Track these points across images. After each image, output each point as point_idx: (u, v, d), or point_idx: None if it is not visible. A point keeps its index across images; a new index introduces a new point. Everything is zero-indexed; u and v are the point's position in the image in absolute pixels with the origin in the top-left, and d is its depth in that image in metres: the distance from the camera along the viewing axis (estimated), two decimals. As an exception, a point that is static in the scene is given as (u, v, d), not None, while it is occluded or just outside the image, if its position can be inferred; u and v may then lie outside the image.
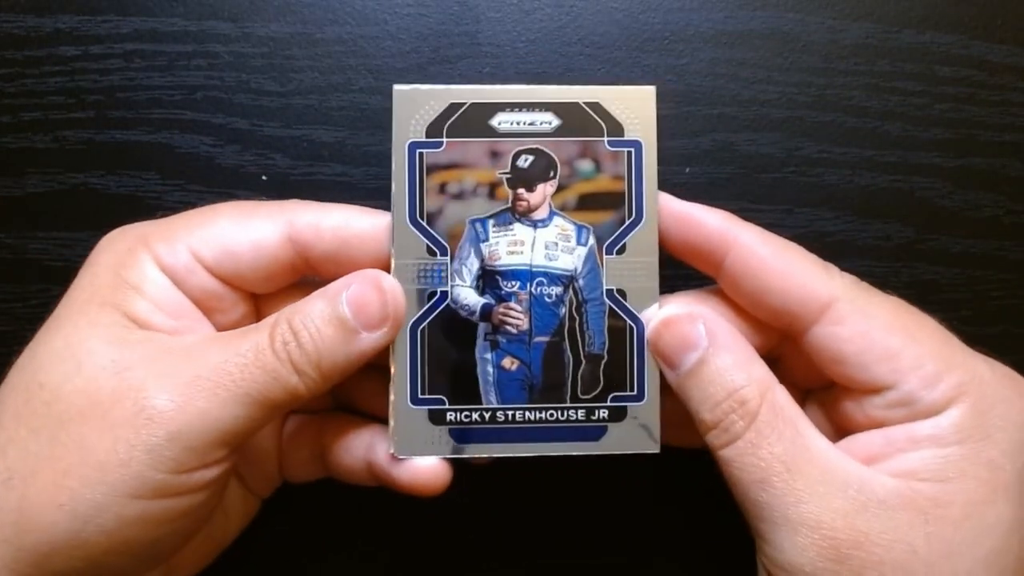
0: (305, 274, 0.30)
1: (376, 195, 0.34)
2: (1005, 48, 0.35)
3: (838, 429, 0.29)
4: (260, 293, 0.30)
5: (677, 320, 0.28)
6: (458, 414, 0.29)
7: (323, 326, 0.26)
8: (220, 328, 0.29)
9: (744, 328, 0.29)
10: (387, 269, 0.29)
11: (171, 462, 0.24)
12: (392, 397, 0.29)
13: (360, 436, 0.31)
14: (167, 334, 0.27)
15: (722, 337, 0.27)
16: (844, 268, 0.35)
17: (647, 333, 0.29)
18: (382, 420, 0.30)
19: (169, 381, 0.25)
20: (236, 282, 0.28)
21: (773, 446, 0.26)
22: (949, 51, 0.35)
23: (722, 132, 0.35)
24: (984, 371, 0.26)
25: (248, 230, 0.28)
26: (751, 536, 0.27)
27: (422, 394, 0.29)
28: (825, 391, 0.30)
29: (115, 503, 0.24)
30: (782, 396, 0.27)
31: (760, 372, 0.27)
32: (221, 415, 0.25)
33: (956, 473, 0.25)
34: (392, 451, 0.29)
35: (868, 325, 0.27)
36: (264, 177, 0.35)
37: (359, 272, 0.28)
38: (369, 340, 0.27)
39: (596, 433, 0.29)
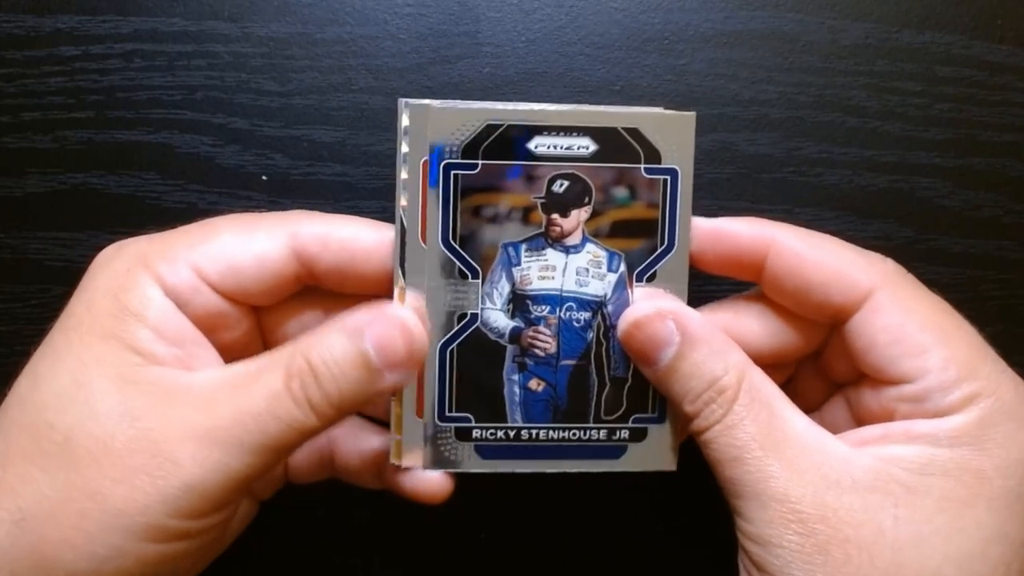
0: (307, 284, 0.29)
1: (377, 195, 0.34)
2: (1005, 48, 0.35)
3: (858, 423, 0.29)
4: (262, 306, 0.30)
5: (647, 320, 0.28)
6: (484, 431, 0.29)
7: (346, 366, 0.26)
8: (225, 346, 0.28)
9: (787, 329, 0.29)
10: (391, 286, 0.28)
11: (187, 510, 0.24)
12: (399, 411, 0.29)
13: (371, 441, 0.31)
14: (173, 366, 0.26)
15: (694, 329, 0.27)
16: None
17: (619, 335, 0.29)
18: (386, 423, 0.30)
19: (185, 433, 0.25)
20: (240, 297, 0.28)
21: (748, 427, 0.26)
22: (949, 51, 0.35)
23: (722, 132, 0.35)
24: (1007, 389, 0.26)
25: (252, 244, 0.28)
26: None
27: (449, 412, 0.29)
28: (854, 386, 0.30)
29: (134, 547, 0.24)
30: (758, 378, 0.27)
31: (736, 358, 0.27)
32: (236, 465, 0.25)
33: (938, 471, 0.25)
34: (400, 462, 0.29)
35: (904, 318, 0.27)
36: (264, 177, 0.35)
37: (378, 308, 0.27)
38: (391, 379, 0.26)
39: (616, 452, 0.30)
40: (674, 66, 0.35)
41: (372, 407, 0.32)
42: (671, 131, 0.28)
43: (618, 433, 0.30)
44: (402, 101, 0.28)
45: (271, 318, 0.30)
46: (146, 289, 0.27)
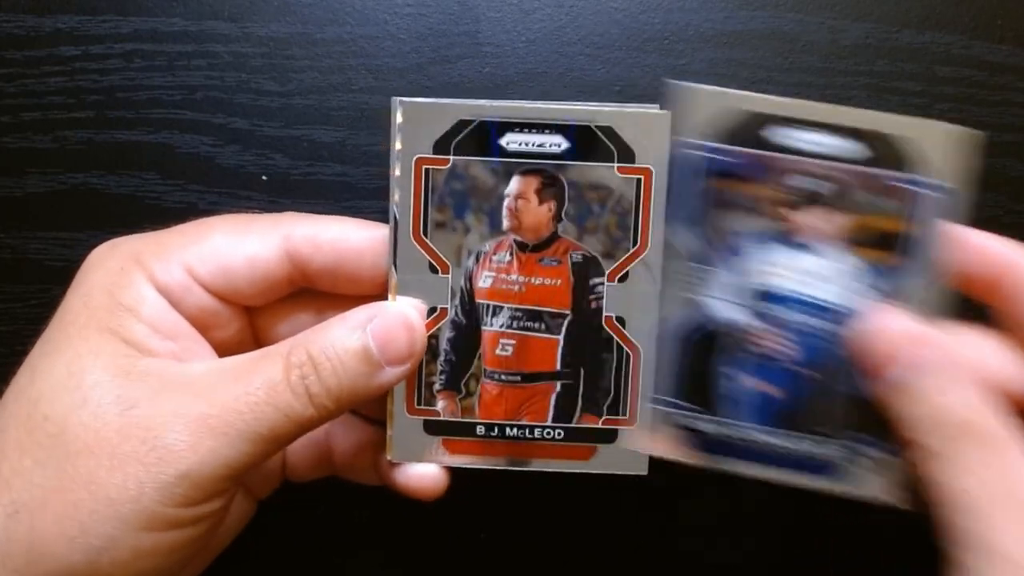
0: (300, 286, 0.29)
1: (377, 195, 0.34)
2: (1005, 48, 0.35)
3: None
4: (255, 306, 0.30)
5: (890, 332, 0.26)
6: (700, 424, 0.28)
7: (347, 358, 0.26)
8: (217, 345, 0.29)
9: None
10: (385, 283, 0.28)
11: (181, 498, 0.24)
12: (391, 407, 0.29)
13: (369, 437, 0.31)
14: (168, 359, 0.26)
15: (932, 353, 0.26)
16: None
17: (853, 345, 0.27)
18: (382, 421, 0.30)
19: (178, 419, 0.25)
20: (232, 298, 0.28)
21: (980, 474, 0.24)
22: (949, 51, 0.35)
23: (722, 132, 0.35)
24: None
25: (244, 245, 0.28)
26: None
27: (667, 397, 0.29)
28: None
29: (128, 536, 0.24)
30: (999, 422, 0.25)
31: (976, 394, 0.25)
32: (230, 453, 0.25)
33: None
34: (391, 458, 0.29)
35: None
36: (264, 177, 0.35)
37: (380, 305, 0.27)
38: (391, 374, 0.27)
39: (832, 470, 0.28)
40: (674, 66, 0.35)
41: (370, 406, 0.32)
42: (945, 146, 0.27)
43: (840, 451, 0.28)
44: (395, 99, 0.28)
45: (264, 319, 0.30)
46: (140, 286, 0.27)
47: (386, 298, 0.29)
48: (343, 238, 0.28)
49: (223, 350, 0.29)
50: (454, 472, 0.30)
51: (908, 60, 0.35)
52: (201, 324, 0.28)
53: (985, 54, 0.35)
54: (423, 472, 0.29)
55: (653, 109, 0.28)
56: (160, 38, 0.34)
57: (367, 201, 0.35)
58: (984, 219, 0.35)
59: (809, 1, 0.35)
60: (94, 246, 0.28)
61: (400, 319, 0.27)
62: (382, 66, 0.35)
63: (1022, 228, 0.36)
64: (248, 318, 0.30)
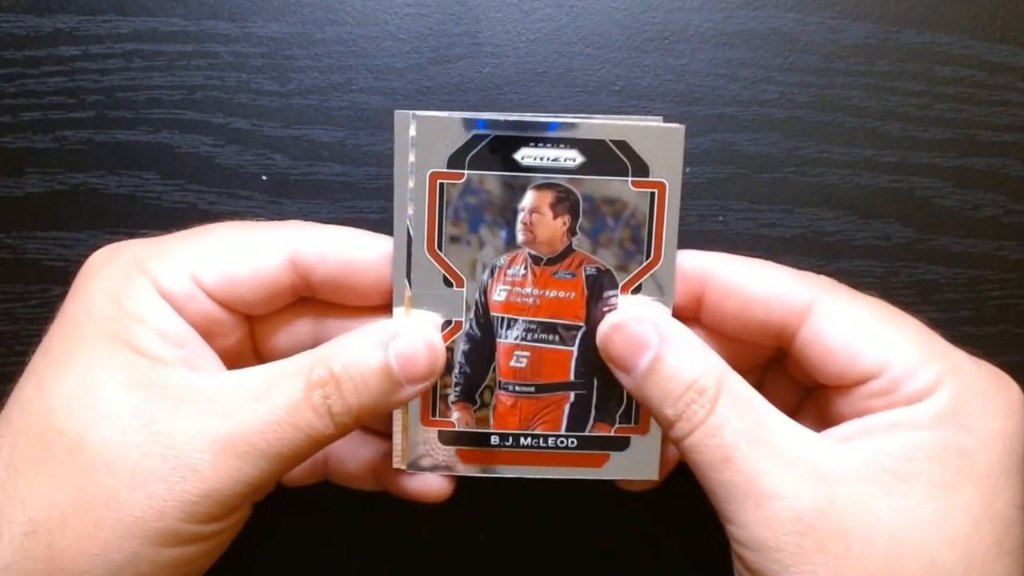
0: (303, 295, 0.29)
1: (377, 195, 0.34)
2: (1005, 48, 0.35)
3: (829, 425, 0.29)
4: (255, 315, 0.29)
5: (625, 323, 0.28)
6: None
7: (369, 376, 0.26)
8: (220, 352, 0.28)
9: (733, 353, 0.29)
10: (389, 294, 0.28)
11: (203, 516, 0.24)
12: (404, 419, 0.30)
13: (367, 445, 0.31)
14: (180, 368, 0.26)
15: (671, 332, 0.27)
16: (844, 268, 0.35)
17: (597, 339, 0.29)
18: (378, 431, 0.30)
19: (201, 439, 0.24)
20: (236, 306, 0.28)
21: (733, 425, 0.26)
22: (949, 51, 0.35)
23: (722, 132, 0.35)
24: (966, 364, 0.27)
25: (249, 254, 0.28)
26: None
27: None
28: (824, 393, 0.30)
29: (150, 552, 0.24)
30: (737, 380, 0.27)
31: (715, 360, 0.27)
32: (251, 471, 0.25)
33: (923, 455, 0.25)
34: (403, 466, 0.30)
35: (853, 319, 0.27)
36: (264, 177, 0.35)
37: (401, 322, 0.28)
38: (409, 392, 0.27)
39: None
40: (674, 66, 0.35)
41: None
42: None
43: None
44: (409, 113, 0.28)
45: (263, 327, 0.30)
46: (145, 293, 0.27)
47: (392, 310, 0.29)
48: (349, 249, 0.28)
49: (224, 358, 0.29)
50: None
51: (908, 60, 0.35)
52: (204, 332, 0.28)
53: (985, 54, 0.35)
54: (431, 478, 0.30)
55: (664, 123, 0.28)
56: (160, 38, 0.34)
57: (367, 201, 0.35)
58: (984, 219, 0.36)
59: (809, 1, 0.35)
60: (94, 246, 0.28)
61: (423, 339, 0.27)
62: (382, 66, 0.35)
63: (1022, 228, 0.36)
64: (249, 326, 0.30)
